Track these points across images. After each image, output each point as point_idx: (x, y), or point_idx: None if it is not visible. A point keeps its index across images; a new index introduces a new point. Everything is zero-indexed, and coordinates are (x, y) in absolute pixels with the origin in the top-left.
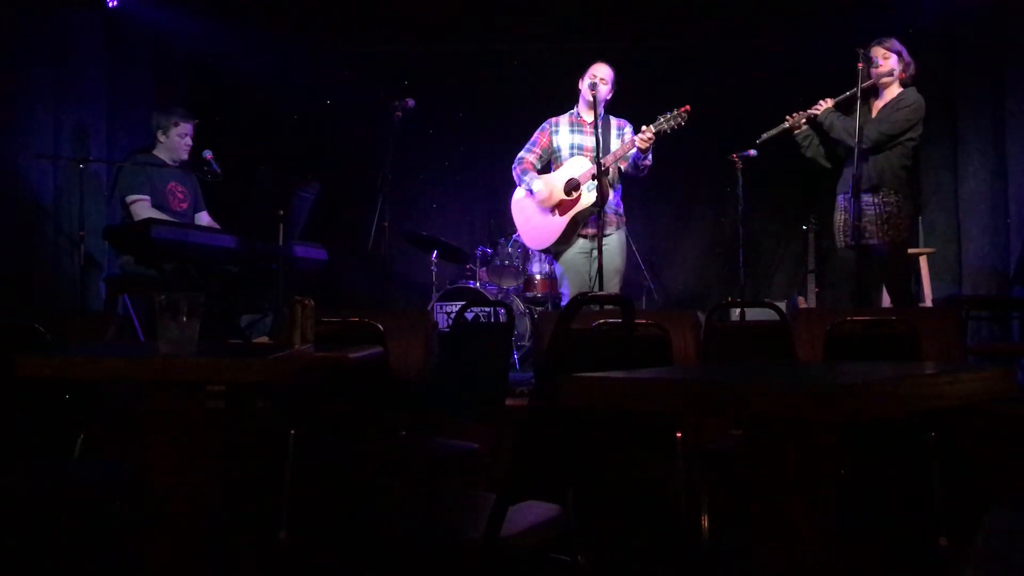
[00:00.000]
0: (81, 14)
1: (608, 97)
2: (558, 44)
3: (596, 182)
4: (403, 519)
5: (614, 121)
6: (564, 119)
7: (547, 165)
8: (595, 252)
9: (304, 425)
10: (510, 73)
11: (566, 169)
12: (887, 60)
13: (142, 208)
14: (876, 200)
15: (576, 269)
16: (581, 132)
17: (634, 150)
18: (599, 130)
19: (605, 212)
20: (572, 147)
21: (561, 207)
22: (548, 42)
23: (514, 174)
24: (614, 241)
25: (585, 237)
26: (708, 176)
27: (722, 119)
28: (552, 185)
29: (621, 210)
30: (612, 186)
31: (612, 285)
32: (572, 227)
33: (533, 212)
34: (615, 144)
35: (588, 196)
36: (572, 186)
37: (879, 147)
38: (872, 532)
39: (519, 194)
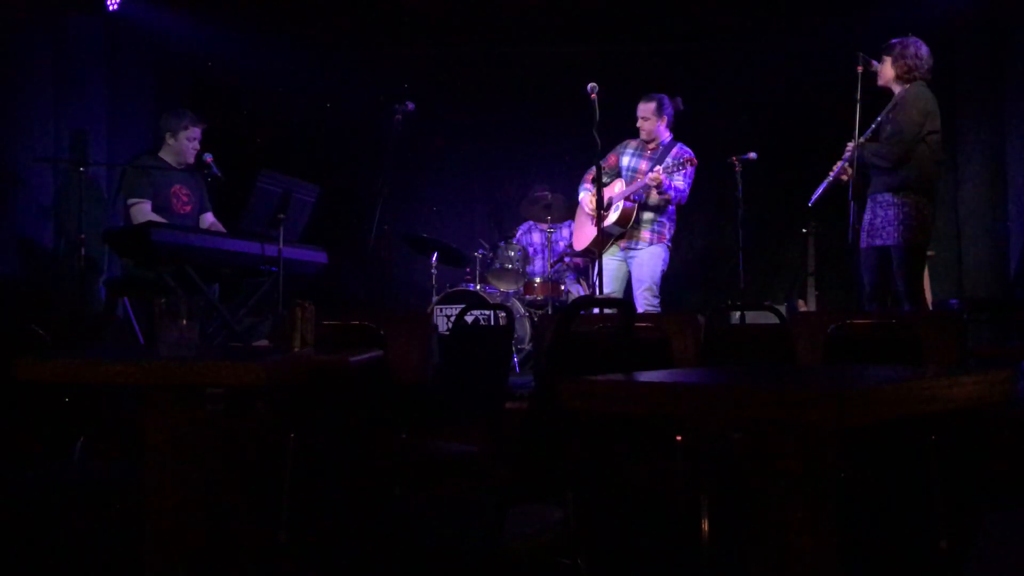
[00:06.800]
0: (81, 18)
1: (658, 127)
2: (558, 46)
3: (621, 203)
4: (402, 523)
5: (674, 148)
6: (633, 142)
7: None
8: (626, 260)
9: (303, 428)
10: (510, 76)
11: (612, 186)
12: (882, 65)
13: (140, 212)
14: (897, 200)
15: (611, 273)
16: (640, 156)
17: (648, 188)
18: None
19: (639, 228)
20: (627, 168)
21: (595, 220)
22: (548, 44)
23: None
24: (644, 255)
25: (620, 247)
26: (707, 179)
27: (721, 122)
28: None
29: (664, 229)
30: (659, 207)
31: (639, 295)
32: (601, 238)
33: (583, 217)
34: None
35: (612, 215)
36: (607, 205)
37: (905, 153)
38: (872, 535)
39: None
